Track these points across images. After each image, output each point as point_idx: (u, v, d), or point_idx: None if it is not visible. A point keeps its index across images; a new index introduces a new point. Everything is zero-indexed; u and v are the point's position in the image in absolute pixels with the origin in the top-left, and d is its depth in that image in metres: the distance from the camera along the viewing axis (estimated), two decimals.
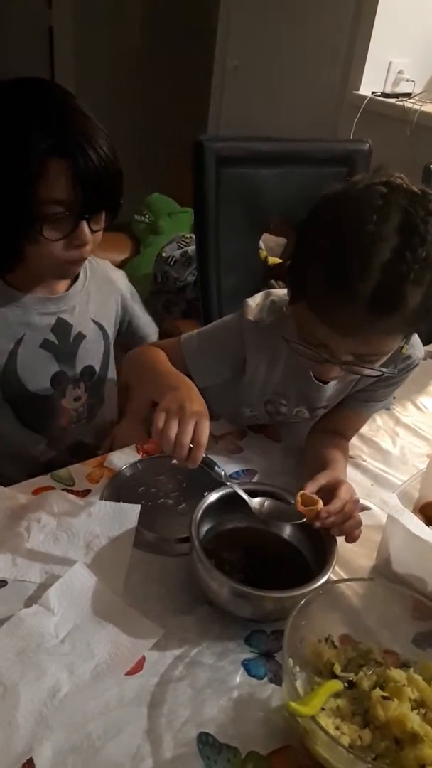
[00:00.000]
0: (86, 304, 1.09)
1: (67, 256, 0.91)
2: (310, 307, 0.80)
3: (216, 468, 0.81)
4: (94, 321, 1.10)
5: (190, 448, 0.77)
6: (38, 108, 0.84)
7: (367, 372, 0.85)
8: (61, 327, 1.05)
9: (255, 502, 0.82)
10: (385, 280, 0.72)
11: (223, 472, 0.81)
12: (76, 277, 1.07)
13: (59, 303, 1.04)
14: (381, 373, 0.86)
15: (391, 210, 0.73)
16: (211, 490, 0.83)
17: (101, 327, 1.12)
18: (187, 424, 0.77)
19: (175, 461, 0.78)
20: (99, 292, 1.11)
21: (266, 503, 0.83)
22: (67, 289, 1.06)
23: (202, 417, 0.78)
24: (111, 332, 1.15)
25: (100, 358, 1.12)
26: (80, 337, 1.08)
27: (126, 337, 1.20)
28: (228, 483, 0.82)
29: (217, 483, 0.83)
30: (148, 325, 1.26)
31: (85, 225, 0.89)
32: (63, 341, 1.05)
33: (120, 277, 1.19)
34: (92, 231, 0.91)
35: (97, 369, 1.12)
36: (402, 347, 0.88)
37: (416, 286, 0.73)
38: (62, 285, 1.05)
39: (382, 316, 0.75)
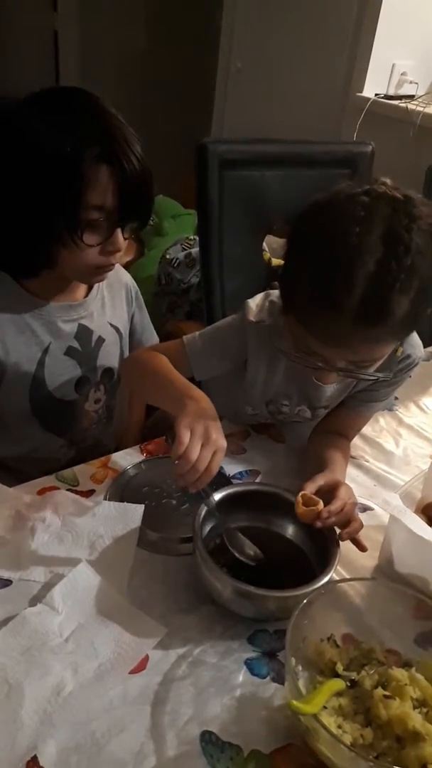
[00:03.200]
0: (102, 308, 1.11)
1: (100, 261, 0.94)
2: (299, 320, 0.81)
3: (210, 497, 0.81)
4: (111, 324, 1.12)
5: None
6: (84, 117, 0.86)
7: (363, 377, 0.86)
8: (83, 333, 1.06)
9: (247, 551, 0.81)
10: (371, 291, 0.72)
11: (213, 501, 0.81)
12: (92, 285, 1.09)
13: (80, 309, 1.06)
14: (377, 377, 0.87)
15: (373, 221, 0.73)
16: (214, 490, 0.83)
17: (117, 329, 1.14)
18: (209, 452, 0.76)
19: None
20: (112, 296, 1.14)
21: (257, 551, 0.82)
22: (86, 296, 1.07)
23: (220, 447, 0.78)
24: (125, 333, 1.17)
25: (117, 360, 1.14)
26: (100, 341, 1.10)
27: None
28: (211, 509, 0.82)
29: (219, 483, 0.84)
30: (146, 329, 1.26)
31: (119, 232, 0.92)
32: (85, 347, 1.07)
33: (128, 277, 1.20)
34: (124, 238, 0.93)
35: (116, 371, 1.14)
36: (396, 349, 0.88)
37: (403, 295, 0.73)
38: (81, 292, 1.07)
39: (369, 326, 0.75)
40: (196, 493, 0.79)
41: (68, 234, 0.88)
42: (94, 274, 0.98)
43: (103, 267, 0.96)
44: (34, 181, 0.85)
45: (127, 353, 1.18)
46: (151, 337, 1.27)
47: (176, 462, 0.75)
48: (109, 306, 1.12)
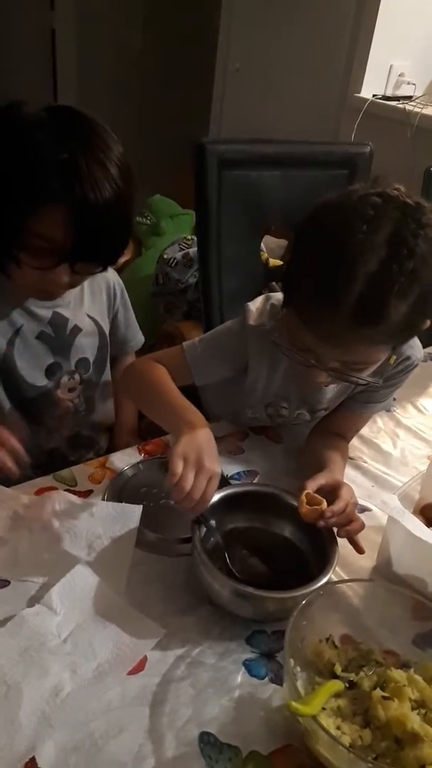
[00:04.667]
0: (80, 299, 1.10)
1: (43, 286, 0.92)
2: (298, 313, 0.81)
3: (209, 522, 0.81)
4: (88, 315, 1.11)
5: None
6: (58, 150, 0.81)
7: (353, 380, 0.86)
8: (58, 320, 1.06)
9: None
10: (370, 291, 0.72)
11: (214, 525, 0.81)
12: None
13: (56, 299, 1.04)
14: (366, 382, 0.87)
15: (381, 221, 0.73)
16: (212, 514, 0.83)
17: (95, 321, 1.13)
18: (202, 481, 0.77)
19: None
20: (91, 289, 1.12)
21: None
22: None
23: (215, 476, 0.78)
24: (105, 326, 1.16)
25: (94, 352, 1.14)
26: (76, 330, 1.09)
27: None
28: (215, 537, 0.81)
29: (220, 484, 0.84)
30: (130, 328, 1.24)
31: (65, 267, 0.88)
32: (59, 334, 1.07)
33: (112, 275, 1.18)
34: (76, 272, 0.89)
35: (92, 361, 1.13)
36: (390, 357, 0.88)
37: (401, 299, 0.73)
38: None
39: (365, 326, 0.75)
40: (197, 521, 0.80)
41: (12, 251, 0.86)
42: (39, 294, 0.97)
43: (46, 291, 0.95)
44: None
45: (109, 349, 1.17)
46: (135, 338, 1.26)
47: (171, 490, 0.76)
48: (88, 298, 1.11)
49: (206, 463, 0.78)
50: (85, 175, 0.81)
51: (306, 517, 0.82)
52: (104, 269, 0.95)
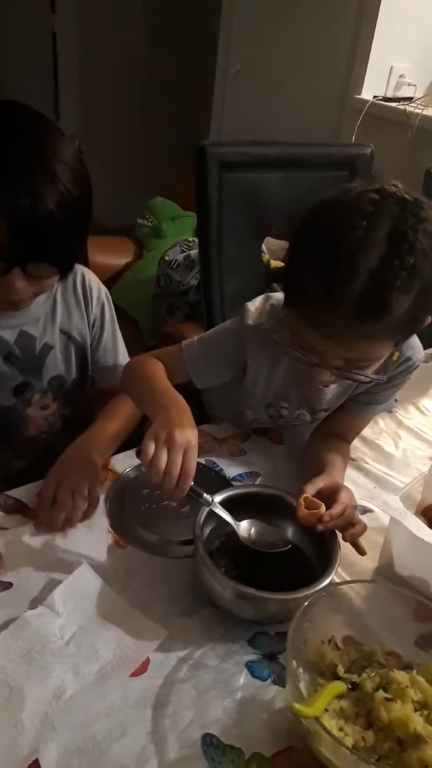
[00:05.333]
0: (52, 315, 1.05)
1: (1, 295, 0.87)
2: (299, 312, 0.81)
3: (204, 496, 0.80)
4: (62, 331, 1.06)
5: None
6: None
7: (357, 378, 0.86)
8: (25, 339, 1.02)
9: (242, 528, 0.81)
10: (371, 286, 0.73)
11: (210, 498, 0.81)
12: None
13: (21, 317, 1.00)
14: (371, 379, 0.87)
15: (380, 217, 0.73)
16: (214, 492, 0.83)
17: (70, 336, 1.08)
18: (176, 454, 0.75)
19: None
20: (66, 302, 1.07)
21: (253, 529, 0.82)
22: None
23: (190, 446, 0.77)
24: (84, 340, 1.10)
25: (72, 369, 1.10)
26: (47, 348, 1.05)
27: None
28: (216, 510, 0.81)
29: (220, 485, 0.84)
30: (109, 346, 1.15)
31: (17, 272, 0.83)
32: (27, 353, 1.03)
33: (96, 285, 1.11)
34: (31, 275, 0.85)
35: (68, 379, 1.09)
36: (393, 354, 0.88)
37: (403, 294, 0.73)
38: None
39: (367, 322, 0.75)
40: (190, 499, 0.79)
41: None
42: (4, 305, 0.92)
43: (7, 301, 0.89)
44: None
45: (90, 362, 1.13)
46: (114, 356, 1.16)
47: (148, 476, 0.75)
48: (62, 312, 1.06)
49: (177, 438, 0.76)
50: (21, 176, 0.77)
51: (304, 521, 0.82)
52: (62, 275, 0.90)
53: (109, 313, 1.14)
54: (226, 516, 0.81)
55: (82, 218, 0.84)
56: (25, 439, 1.09)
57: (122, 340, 1.17)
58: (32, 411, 1.08)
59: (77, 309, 1.08)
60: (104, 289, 1.13)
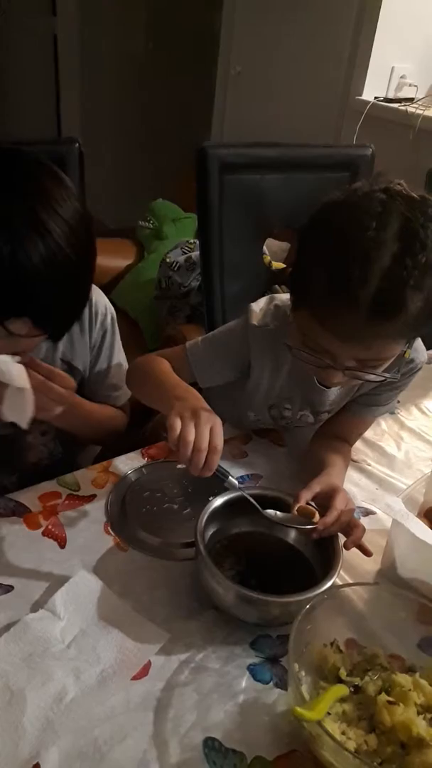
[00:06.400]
0: (53, 344, 1.01)
1: None
2: (312, 314, 0.80)
3: (230, 477, 0.80)
4: (63, 360, 1.04)
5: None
6: None
7: (370, 378, 0.85)
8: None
9: (268, 511, 0.82)
10: (386, 285, 0.73)
11: (236, 482, 0.81)
12: None
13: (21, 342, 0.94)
14: (384, 378, 0.86)
15: (390, 216, 0.74)
16: (216, 494, 0.83)
17: (71, 365, 1.05)
18: (204, 428, 0.76)
19: (181, 465, 0.76)
20: (73, 330, 1.02)
21: (277, 513, 0.83)
22: None
23: (216, 421, 0.78)
24: (86, 367, 1.08)
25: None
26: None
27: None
28: (244, 493, 0.81)
29: (222, 487, 0.84)
30: (101, 375, 1.11)
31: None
32: None
33: (103, 308, 1.07)
34: (12, 333, 0.76)
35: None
36: (405, 352, 0.88)
37: (417, 291, 0.74)
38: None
39: (384, 321, 0.75)
40: (215, 478, 0.78)
41: None
42: None
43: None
44: None
45: (87, 389, 1.10)
46: (103, 381, 1.11)
47: (177, 450, 0.75)
48: (65, 341, 1.02)
49: (203, 413, 0.77)
50: (5, 224, 0.71)
51: (299, 530, 0.82)
52: (50, 338, 0.85)
53: (110, 338, 1.09)
54: (252, 500, 0.81)
55: (76, 282, 0.79)
56: (27, 467, 1.09)
57: (121, 365, 1.12)
58: (32, 438, 1.08)
59: (80, 336, 1.05)
60: (111, 313, 1.09)
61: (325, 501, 0.84)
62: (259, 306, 0.98)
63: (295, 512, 0.82)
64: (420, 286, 0.73)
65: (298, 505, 0.83)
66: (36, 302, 0.75)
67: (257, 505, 0.81)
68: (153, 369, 0.96)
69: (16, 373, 0.79)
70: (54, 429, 1.09)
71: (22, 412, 0.81)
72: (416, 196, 0.76)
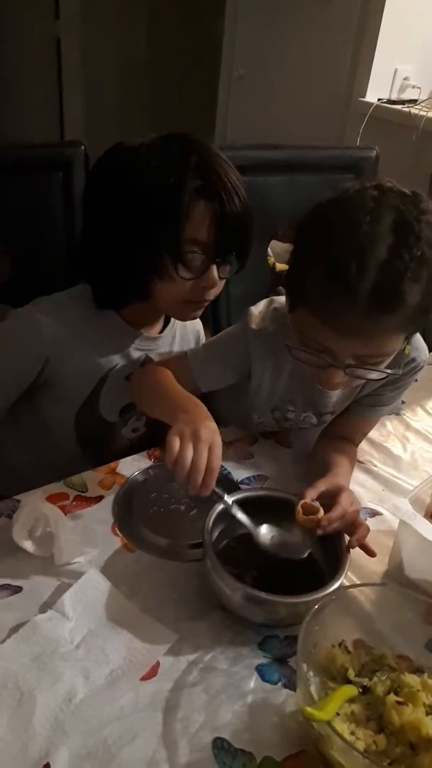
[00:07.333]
0: (171, 345, 1.12)
1: (193, 296, 0.95)
2: (312, 312, 0.80)
3: (225, 498, 0.81)
4: None
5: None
6: (188, 155, 0.88)
7: (372, 375, 0.86)
8: (147, 364, 1.07)
9: (261, 534, 0.82)
10: (384, 278, 0.73)
11: (231, 501, 0.81)
12: (168, 320, 1.10)
13: (152, 343, 1.08)
14: (386, 374, 0.87)
15: (383, 211, 0.74)
16: (225, 491, 0.83)
17: None
18: (203, 449, 0.77)
19: (178, 484, 0.78)
20: (182, 336, 1.15)
21: (273, 535, 0.83)
22: (161, 331, 1.09)
23: (216, 439, 0.78)
24: None
25: None
26: None
27: None
28: (236, 514, 0.81)
29: (228, 488, 0.84)
30: None
31: (215, 268, 0.93)
32: None
33: (199, 326, 1.20)
34: (220, 277, 0.94)
35: None
36: (405, 347, 0.89)
37: (414, 284, 0.74)
38: (157, 326, 1.09)
39: (383, 314, 0.76)
40: (209, 498, 0.79)
41: (164, 266, 0.90)
42: (187, 309, 1.00)
43: (195, 302, 0.98)
44: (136, 212, 0.88)
45: None
46: None
47: (174, 469, 0.76)
48: (178, 345, 1.13)
49: (202, 434, 0.78)
50: (221, 172, 0.88)
51: (302, 527, 0.82)
52: (240, 267, 0.98)
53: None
54: (245, 520, 0.81)
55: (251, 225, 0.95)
56: (108, 454, 1.10)
57: None
58: (125, 431, 1.12)
59: (186, 345, 1.15)
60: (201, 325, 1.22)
61: (330, 500, 0.84)
62: (258, 309, 0.99)
63: (299, 509, 0.82)
64: (417, 278, 0.74)
65: (302, 502, 0.83)
66: (242, 243, 0.94)
67: (250, 526, 0.81)
68: (156, 379, 0.97)
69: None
70: (144, 429, 1.14)
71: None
72: (407, 192, 0.77)
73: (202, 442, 0.77)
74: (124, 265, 0.94)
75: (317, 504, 0.83)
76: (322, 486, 0.87)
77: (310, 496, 0.84)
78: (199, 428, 0.79)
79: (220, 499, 0.80)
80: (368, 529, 0.83)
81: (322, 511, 0.81)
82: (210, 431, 0.79)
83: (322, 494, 0.86)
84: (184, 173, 0.87)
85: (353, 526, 0.83)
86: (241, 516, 0.81)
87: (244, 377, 1.02)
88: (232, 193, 0.89)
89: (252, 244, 0.96)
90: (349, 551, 0.79)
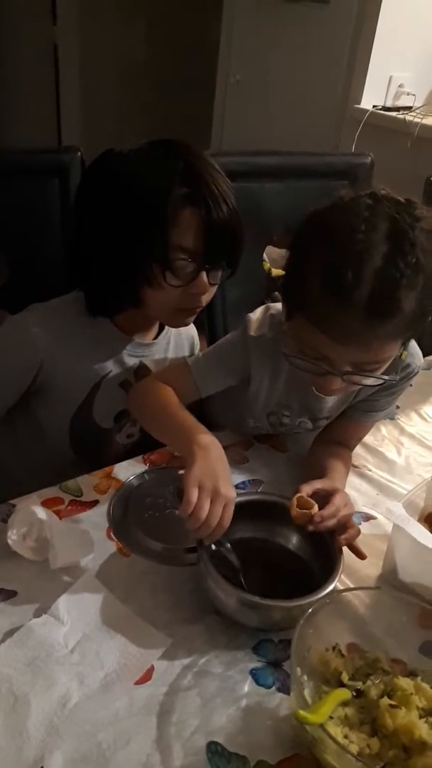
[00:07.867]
0: (166, 351, 1.12)
1: (183, 303, 0.96)
2: (309, 320, 0.81)
3: (227, 545, 0.80)
4: None
5: None
6: (175, 161, 0.89)
7: (368, 382, 0.86)
8: (141, 371, 1.08)
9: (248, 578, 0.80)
10: (380, 286, 0.74)
11: (229, 547, 0.81)
12: (162, 326, 1.11)
13: (146, 349, 1.08)
14: (383, 380, 0.87)
15: (378, 219, 0.75)
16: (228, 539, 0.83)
17: None
18: (218, 508, 0.76)
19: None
20: (177, 343, 1.15)
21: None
22: (155, 338, 1.10)
23: (230, 498, 0.78)
24: None
25: None
26: None
27: None
28: (231, 559, 0.80)
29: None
30: None
31: (204, 275, 0.93)
32: None
33: (194, 332, 1.21)
34: (210, 283, 0.95)
35: None
36: (401, 354, 0.89)
37: (410, 290, 0.75)
38: (151, 333, 1.10)
39: (380, 321, 0.76)
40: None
41: (152, 273, 0.90)
42: (179, 316, 1.01)
43: (186, 310, 0.98)
44: (123, 218, 0.89)
45: None
46: None
47: (187, 519, 0.75)
48: (172, 351, 1.14)
49: (222, 490, 0.77)
50: (209, 179, 0.89)
51: (296, 520, 0.82)
52: (231, 273, 0.98)
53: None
54: (236, 563, 0.80)
55: (241, 232, 0.95)
56: (102, 459, 1.10)
57: None
58: (119, 437, 1.12)
59: (181, 351, 1.16)
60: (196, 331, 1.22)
61: (323, 500, 0.84)
62: (255, 316, 0.99)
63: (295, 502, 0.82)
64: (413, 285, 0.75)
65: (297, 495, 0.83)
66: (231, 250, 0.95)
67: (237, 564, 0.80)
68: (162, 401, 0.96)
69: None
70: (138, 435, 1.14)
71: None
72: (401, 199, 0.78)
73: (220, 499, 0.76)
74: (115, 272, 0.94)
75: (312, 500, 0.83)
76: (318, 484, 0.88)
77: (306, 491, 0.85)
78: (219, 485, 0.77)
79: (222, 547, 0.80)
80: (359, 532, 0.84)
81: (316, 507, 0.82)
82: (228, 487, 0.78)
83: (317, 492, 0.86)
84: (170, 179, 0.87)
85: (345, 527, 0.83)
86: (233, 560, 0.80)
87: (243, 382, 1.02)
88: (220, 199, 0.89)
89: (242, 251, 0.96)
90: (342, 554, 0.80)
